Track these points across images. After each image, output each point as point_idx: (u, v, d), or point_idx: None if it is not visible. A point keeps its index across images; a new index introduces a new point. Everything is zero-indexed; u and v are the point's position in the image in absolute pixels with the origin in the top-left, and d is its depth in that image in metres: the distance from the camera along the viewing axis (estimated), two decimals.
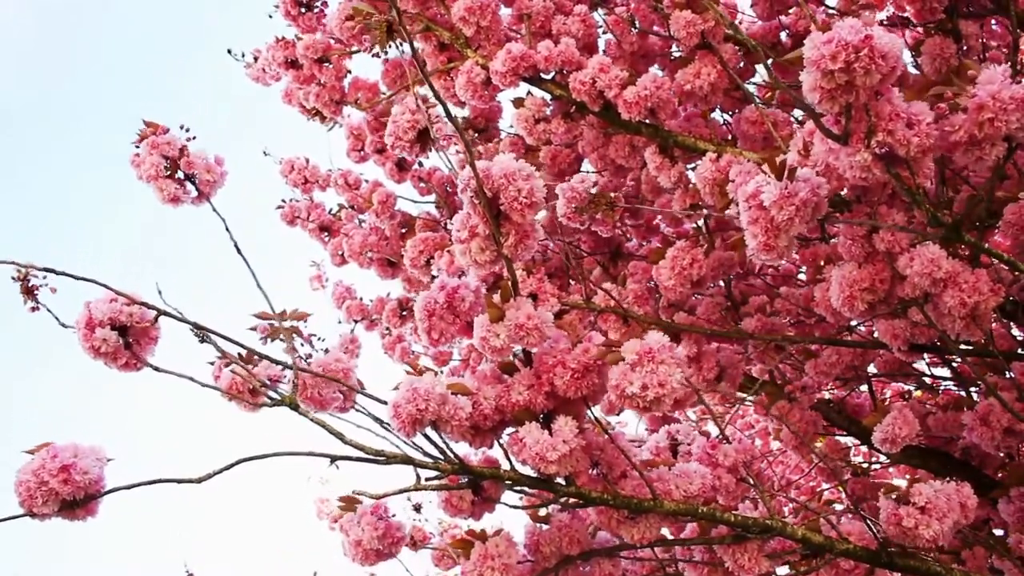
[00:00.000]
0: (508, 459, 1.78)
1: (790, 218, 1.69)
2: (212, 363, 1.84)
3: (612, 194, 2.65)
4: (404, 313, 4.05)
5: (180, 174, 1.95)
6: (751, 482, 2.03)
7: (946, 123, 1.66)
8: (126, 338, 1.68)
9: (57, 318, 1.62)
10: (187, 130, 1.98)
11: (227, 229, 1.76)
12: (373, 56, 3.25)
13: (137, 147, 1.99)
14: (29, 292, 1.61)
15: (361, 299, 4.44)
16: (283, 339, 1.75)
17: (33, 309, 1.64)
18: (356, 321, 4.36)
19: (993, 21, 2.70)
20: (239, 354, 1.75)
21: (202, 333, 1.59)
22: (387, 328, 4.24)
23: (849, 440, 3.71)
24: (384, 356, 4.39)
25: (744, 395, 3.43)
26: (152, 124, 1.98)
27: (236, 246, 1.72)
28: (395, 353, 4.31)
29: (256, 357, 1.77)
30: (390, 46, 2.64)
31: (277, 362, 1.73)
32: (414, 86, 2.82)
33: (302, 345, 1.89)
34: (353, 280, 4.73)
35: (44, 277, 1.62)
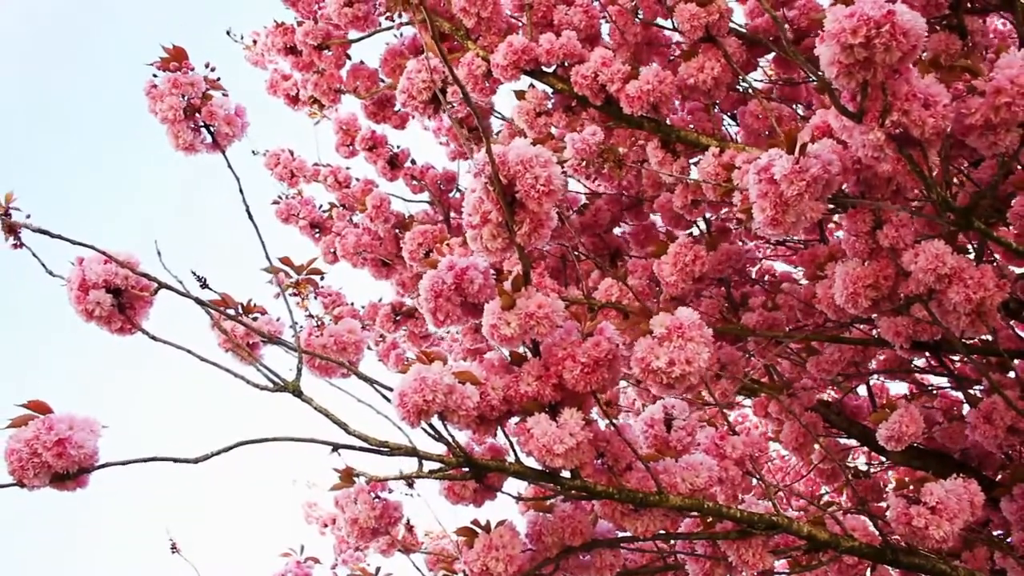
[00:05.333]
0: (512, 448, 1.75)
1: (799, 193, 1.66)
2: (208, 308, 1.74)
3: (621, 150, 2.61)
4: (398, 318, 4.00)
5: (198, 116, 1.85)
6: (757, 476, 2.01)
7: (962, 105, 1.65)
8: (120, 301, 1.63)
9: (44, 265, 1.56)
10: (212, 69, 1.88)
11: (240, 190, 1.70)
12: (380, 26, 3.20)
13: (155, 74, 1.87)
14: (11, 230, 1.53)
15: (352, 304, 4.37)
16: (297, 293, 1.70)
17: (15, 246, 1.55)
18: None
19: (999, 18, 2.69)
20: (240, 304, 1.70)
21: (202, 279, 1.54)
22: (381, 335, 4.17)
23: (848, 442, 3.69)
24: (377, 363, 4.33)
25: (743, 397, 3.40)
26: (178, 51, 1.85)
27: (247, 211, 1.67)
28: (389, 361, 4.24)
29: (255, 307, 1.72)
30: (401, 15, 2.60)
31: (283, 343, 1.69)
32: (427, 50, 2.76)
33: (316, 299, 1.84)
34: (342, 281, 4.66)
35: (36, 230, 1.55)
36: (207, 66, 1.88)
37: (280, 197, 4.11)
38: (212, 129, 1.87)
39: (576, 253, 3.24)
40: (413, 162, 3.85)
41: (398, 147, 3.82)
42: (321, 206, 4.15)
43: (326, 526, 4.29)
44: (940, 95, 1.58)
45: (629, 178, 3.05)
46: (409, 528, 2.64)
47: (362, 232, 3.90)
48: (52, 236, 1.51)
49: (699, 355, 1.55)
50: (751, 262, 3.34)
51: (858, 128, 1.65)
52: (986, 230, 1.94)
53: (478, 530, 1.77)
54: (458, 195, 3.85)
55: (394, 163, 3.80)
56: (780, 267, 3.72)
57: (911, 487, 1.85)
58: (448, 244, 3.03)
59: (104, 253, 1.58)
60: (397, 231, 3.86)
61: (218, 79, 1.87)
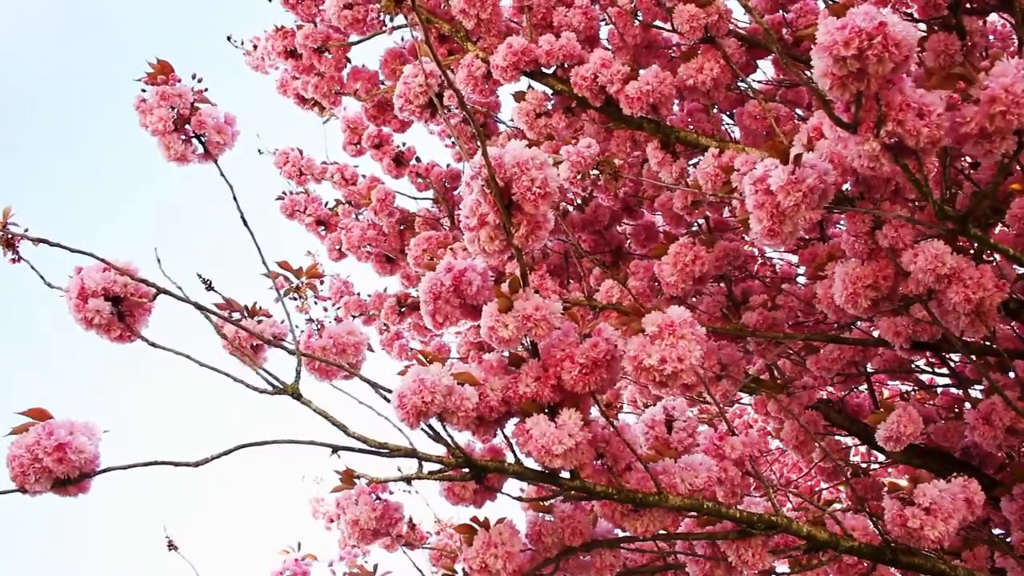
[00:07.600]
0: (512, 449, 1.76)
1: (796, 204, 1.66)
2: (208, 313, 1.73)
3: (617, 161, 2.62)
4: (403, 310, 4.03)
5: (188, 127, 1.87)
6: (758, 477, 2.01)
7: (957, 114, 1.64)
8: (119, 309, 1.64)
9: (43, 277, 1.58)
10: (199, 80, 1.90)
11: (234, 198, 1.71)
12: (380, 28, 3.21)
13: (144, 89, 1.90)
14: (9, 244, 1.54)
15: (359, 294, 4.41)
16: (297, 297, 1.71)
17: (13, 261, 1.57)
18: (354, 317, 4.33)
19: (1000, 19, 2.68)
20: (245, 307, 1.71)
21: (207, 281, 1.56)
22: (385, 324, 4.20)
23: (849, 440, 3.69)
24: (381, 352, 4.36)
25: (743, 394, 3.41)
26: (163, 65, 1.87)
27: (242, 217, 1.68)
28: (393, 350, 4.27)
29: (260, 309, 1.74)
30: (395, 16, 2.60)
31: (283, 347, 1.70)
32: (422, 55, 2.77)
33: (315, 303, 1.86)
34: (349, 274, 4.69)
35: (35, 242, 1.56)
36: (194, 77, 1.90)
37: (285, 193, 4.15)
38: (203, 139, 1.88)
39: (577, 248, 3.25)
40: (418, 160, 3.88)
41: (403, 144, 3.84)
42: (327, 203, 4.19)
43: (332, 521, 4.35)
44: (934, 104, 1.58)
45: (625, 190, 3.06)
46: (412, 526, 2.65)
47: (367, 226, 3.93)
48: (51, 245, 1.53)
49: (691, 352, 1.56)
50: (752, 258, 3.34)
51: (853, 139, 1.65)
52: (983, 238, 1.94)
53: (477, 527, 1.78)
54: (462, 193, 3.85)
55: (399, 160, 3.82)
56: (787, 256, 3.72)
57: (905, 488, 1.85)
58: (451, 249, 3.04)
59: (103, 261, 1.59)
60: (401, 227, 3.89)
61: (205, 90, 1.89)
